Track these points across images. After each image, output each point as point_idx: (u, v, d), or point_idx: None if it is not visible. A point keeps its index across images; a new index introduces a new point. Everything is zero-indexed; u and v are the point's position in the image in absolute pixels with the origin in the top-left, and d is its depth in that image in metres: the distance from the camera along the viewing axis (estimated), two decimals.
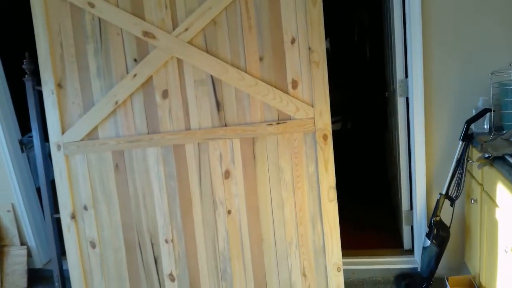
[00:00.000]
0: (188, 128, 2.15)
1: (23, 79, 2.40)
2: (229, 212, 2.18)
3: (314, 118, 2.03)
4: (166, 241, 2.26)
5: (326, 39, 4.58)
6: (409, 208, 2.53)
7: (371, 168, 4.03)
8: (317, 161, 2.06)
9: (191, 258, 2.24)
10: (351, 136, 4.50)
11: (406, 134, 2.37)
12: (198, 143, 2.15)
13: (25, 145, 2.90)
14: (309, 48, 1.98)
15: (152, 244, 2.29)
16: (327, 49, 4.67)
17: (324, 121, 2.03)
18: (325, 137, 2.04)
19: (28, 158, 2.96)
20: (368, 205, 3.53)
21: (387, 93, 2.86)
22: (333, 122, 4.57)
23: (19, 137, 2.87)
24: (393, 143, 2.78)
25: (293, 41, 1.99)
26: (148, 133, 2.20)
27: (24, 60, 2.37)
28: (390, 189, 3.28)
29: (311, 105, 2.03)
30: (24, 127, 2.82)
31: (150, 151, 2.21)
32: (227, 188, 2.16)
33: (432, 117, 2.20)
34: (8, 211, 2.89)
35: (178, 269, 2.26)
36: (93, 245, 2.35)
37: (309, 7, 1.94)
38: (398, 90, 2.30)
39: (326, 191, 2.07)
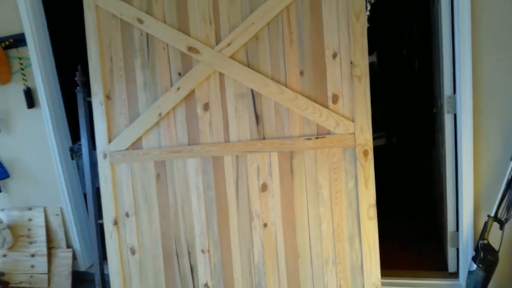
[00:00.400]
0: (227, 140, 2.18)
1: (75, 90, 2.54)
2: (265, 225, 2.17)
3: (354, 133, 2.00)
4: (203, 251, 2.28)
5: (373, 52, 4.51)
6: (455, 229, 2.40)
7: (416, 185, 3.88)
8: (356, 177, 2.02)
9: (226, 270, 2.25)
10: (396, 152, 4.36)
11: (454, 151, 2.27)
12: (237, 156, 2.17)
13: (75, 152, 3.05)
14: (351, 63, 1.96)
15: (189, 253, 2.32)
16: (374, 63, 4.59)
17: (365, 137, 1.99)
18: (365, 153, 1.99)
19: (77, 165, 3.11)
20: (411, 223, 3.39)
21: (434, 109, 2.76)
22: (378, 137, 4.47)
23: (70, 144, 3.03)
24: (440, 161, 2.66)
25: (334, 56, 1.98)
26: (189, 144, 2.25)
27: (76, 73, 2.52)
28: (435, 208, 3.13)
29: (352, 120, 2.00)
30: (75, 135, 2.98)
31: (190, 162, 2.25)
32: (263, 201, 2.16)
33: (481, 135, 2.09)
34: (57, 215, 3.05)
35: (213, 279, 2.27)
36: (133, 252, 2.42)
37: (352, 21, 1.93)
38: (446, 106, 2.21)
39: (366, 209, 2.01)
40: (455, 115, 2.21)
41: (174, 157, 2.27)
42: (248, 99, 2.13)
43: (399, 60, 4.53)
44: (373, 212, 2.01)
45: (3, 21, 2.74)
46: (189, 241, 2.31)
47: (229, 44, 2.10)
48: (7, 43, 2.72)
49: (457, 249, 2.40)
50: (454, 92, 2.17)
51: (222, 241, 2.24)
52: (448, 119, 2.25)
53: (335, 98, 2.01)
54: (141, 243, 2.40)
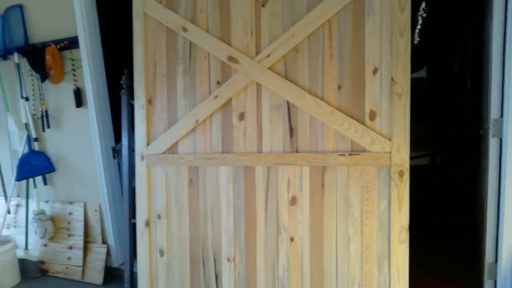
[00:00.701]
0: (260, 151, 2.18)
1: (120, 93, 2.65)
2: (292, 239, 2.14)
3: (390, 152, 1.93)
4: (228, 260, 2.28)
5: (422, 67, 4.34)
6: (494, 261, 2.25)
7: (457, 208, 3.67)
8: (390, 198, 1.94)
9: (250, 280, 2.23)
10: (439, 172, 4.17)
11: (497, 178, 2.13)
12: (268, 167, 2.16)
13: (117, 152, 3.17)
14: (392, 79, 1.90)
15: (215, 260, 2.33)
16: (423, 78, 4.43)
17: (402, 157, 1.91)
18: (401, 173, 1.92)
19: (118, 165, 3.23)
20: (448, 248, 3.21)
21: (481, 131, 2.62)
22: (420, 156, 4.29)
23: (113, 144, 3.15)
24: (483, 185, 2.51)
25: (375, 71, 1.93)
26: (222, 152, 2.27)
27: (122, 76, 2.63)
28: (475, 235, 2.95)
29: (389, 138, 1.93)
30: (118, 135, 3.10)
31: (222, 170, 2.27)
32: (292, 215, 2.13)
33: None
34: (95, 210, 3.17)
35: None
36: (162, 253, 2.46)
37: (396, 37, 1.88)
38: (492, 130, 2.08)
39: (398, 232, 1.93)
40: (500, 140, 2.08)
41: (207, 164, 2.30)
42: (284, 110, 2.12)
43: (450, 76, 4.33)
44: (405, 236, 1.92)
45: (60, 24, 2.93)
46: (216, 248, 2.32)
47: (268, 55, 2.11)
48: (62, 45, 2.89)
49: (495, 282, 2.24)
50: (502, 115, 2.04)
51: (248, 251, 2.23)
52: (493, 143, 2.12)
53: (372, 115, 1.96)
54: (170, 245, 2.44)
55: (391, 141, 1.92)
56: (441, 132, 4.21)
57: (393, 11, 1.86)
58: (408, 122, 1.89)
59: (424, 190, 3.78)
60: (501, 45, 2.01)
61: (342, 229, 2.04)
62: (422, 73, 4.29)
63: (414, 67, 4.19)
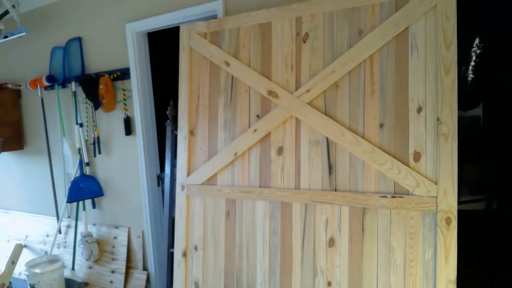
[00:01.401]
0: (297, 187, 2.12)
1: (165, 123, 2.72)
2: (329, 283, 2.02)
3: (437, 197, 1.79)
4: None
5: (478, 104, 4.09)
6: None
7: None
8: (436, 247, 1.79)
9: None
10: (495, 219, 3.81)
11: None
12: (306, 204, 2.09)
13: (161, 180, 3.24)
14: (438, 119, 1.78)
15: None
16: (478, 116, 4.15)
17: (449, 202, 1.77)
18: (448, 220, 1.77)
19: (162, 193, 3.29)
20: None
21: None
22: (475, 200, 3.97)
23: (158, 172, 3.23)
24: None
25: (419, 110, 1.83)
26: (260, 186, 2.24)
27: (168, 107, 2.70)
28: None
29: (435, 182, 1.80)
30: (163, 164, 3.18)
31: (259, 204, 2.23)
32: (330, 257, 2.03)
33: None
34: (138, 236, 3.23)
35: None
36: (197, 286, 2.44)
37: (442, 75, 1.77)
38: None
39: (444, 285, 1.76)
40: None
41: (244, 197, 2.27)
42: (322, 147, 2.05)
43: (508, 115, 4.02)
44: None
45: (113, 56, 3.09)
46: (250, 285, 2.26)
47: (308, 91, 2.07)
48: (114, 75, 3.05)
49: None
50: None
51: None
52: None
53: (417, 156, 1.84)
54: (205, 278, 2.41)
55: (437, 185, 1.78)
56: (500, 176, 3.88)
57: (439, 48, 1.76)
58: (456, 165, 1.75)
59: (477, 239, 3.46)
60: None
61: (383, 277, 1.90)
62: (479, 111, 4.02)
63: (469, 105, 3.96)
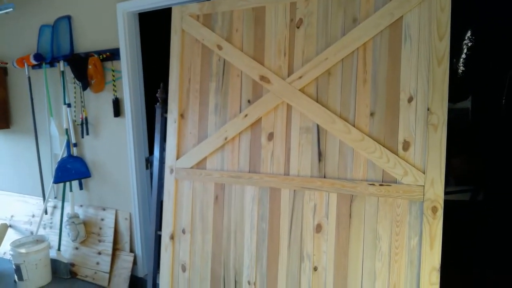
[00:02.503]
0: (287, 173, 2.13)
1: (155, 106, 2.70)
2: (315, 268, 2.05)
3: (424, 186, 1.81)
4: (249, 283, 2.23)
5: (467, 97, 4.13)
6: None
7: (497, 254, 3.39)
8: (421, 235, 1.82)
9: None
10: (480, 210, 3.89)
11: None
12: (294, 190, 2.10)
13: (150, 163, 3.22)
14: (428, 109, 1.80)
15: (235, 282, 2.28)
16: (467, 109, 4.20)
17: (436, 191, 1.79)
18: (434, 209, 1.80)
19: (151, 176, 3.28)
20: None
21: None
22: (460, 191, 4.04)
23: (147, 155, 3.21)
24: None
25: (410, 100, 1.84)
26: (249, 172, 2.24)
27: (158, 90, 2.67)
28: None
29: (423, 171, 1.82)
30: (152, 147, 3.16)
31: (248, 189, 2.24)
32: (316, 243, 2.05)
33: None
34: (126, 219, 3.23)
35: None
36: (184, 269, 2.45)
37: (434, 65, 1.78)
38: None
39: (428, 272, 1.80)
40: None
41: (233, 182, 2.28)
42: (313, 134, 2.06)
43: (496, 109, 4.07)
44: (436, 278, 1.79)
45: (103, 35, 3.03)
46: (237, 269, 2.28)
47: (300, 77, 2.07)
48: (104, 56, 2.99)
49: None
50: None
51: (269, 276, 2.17)
52: None
53: (406, 145, 1.86)
54: (192, 261, 2.43)
55: (425, 174, 1.81)
56: (486, 168, 3.94)
57: (432, 39, 1.76)
58: (444, 155, 1.77)
59: (460, 229, 3.53)
60: None
61: (369, 263, 1.93)
62: (468, 104, 4.07)
63: (459, 97, 3.99)
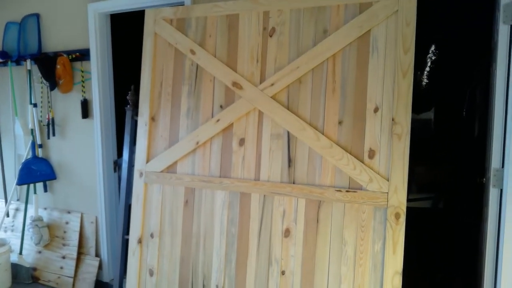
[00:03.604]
0: (257, 178, 2.16)
1: (125, 108, 2.67)
2: (283, 272, 2.09)
3: (388, 193, 1.89)
4: (217, 287, 2.24)
5: (430, 108, 4.32)
6: None
7: (457, 258, 3.55)
8: (385, 240, 1.90)
9: None
10: (440, 217, 4.06)
11: (496, 230, 2.06)
12: (264, 195, 2.14)
13: (118, 166, 3.18)
14: (393, 119, 1.88)
15: (203, 286, 2.29)
16: (430, 120, 4.39)
17: (399, 198, 1.87)
18: (397, 216, 1.87)
19: (119, 179, 3.24)
20: None
21: (484, 179, 2.55)
22: (422, 198, 4.21)
23: (115, 158, 3.16)
24: (483, 237, 2.43)
25: (376, 110, 1.91)
26: (220, 176, 2.26)
27: (129, 92, 2.65)
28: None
29: (387, 178, 1.90)
30: (121, 150, 3.12)
31: (218, 194, 2.25)
32: (285, 247, 2.09)
33: None
34: (92, 222, 3.16)
35: None
36: (152, 273, 2.43)
37: (399, 78, 1.86)
38: (492, 180, 2.03)
39: (391, 276, 1.88)
40: (501, 190, 2.02)
41: (204, 187, 2.29)
42: (284, 140, 2.10)
43: (457, 121, 4.27)
44: (398, 281, 1.86)
45: (73, 35, 2.98)
46: (205, 273, 2.28)
47: (272, 84, 2.11)
48: (73, 56, 2.94)
49: None
50: (503, 165, 1.99)
51: (238, 281, 2.19)
52: (493, 194, 2.06)
53: (371, 153, 1.93)
54: (160, 266, 2.41)
55: (389, 181, 1.88)
56: (447, 177, 4.13)
57: (397, 52, 1.85)
58: (407, 164, 1.85)
59: (422, 235, 3.67)
60: (504, 95, 1.95)
61: (335, 267, 1.99)
62: (430, 115, 4.25)
63: (422, 108, 4.17)
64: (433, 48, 3.77)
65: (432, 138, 4.13)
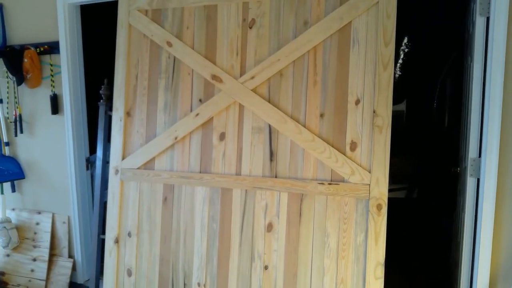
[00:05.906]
0: (238, 173, 2.13)
1: (98, 103, 2.57)
2: (266, 267, 2.08)
3: (369, 184, 1.90)
4: (199, 285, 2.20)
5: (402, 100, 4.41)
6: None
7: (432, 247, 3.65)
8: (367, 231, 1.91)
9: None
10: (415, 207, 4.17)
11: (473, 218, 2.12)
12: (246, 190, 2.11)
13: (91, 163, 3.07)
14: (374, 112, 1.89)
15: (184, 285, 2.24)
16: (402, 112, 4.48)
17: (380, 190, 1.89)
18: (379, 207, 1.89)
19: (91, 177, 3.12)
20: (421, 287, 3.18)
21: (459, 169, 2.62)
22: (397, 189, 4.30)
23: (87, 155, 3.05)
24: (459, 225, 2.50)
25: (357, 102, 1.92)
26: (200, 172, 2.21)
27: (102, 86, 2.55)
28: (450, 276, 2.94)
29: (368, 170, 1.91)
30: (93, 147, 3.01)
31: (199, 190, 2.21)
32: (267, 242, 2.07)
33: (505, 204, 1.95)
34: (64, 222, 3.04)
35: None
36: (130, 273, 2.36)
37: (379, 70, 1.87)
38: (469, 169, 2.08)
39: (373, 267, 1.89)
40: (478, 180, 2.07)
41: (183, 183, 2.23)
42: (265, 134, 2.08)
43: (428, 112, 4.38)
44: (380, 271, 1.88)
45: (41, 27, 2.84)
46: (186, 271, 2.24)
47: (252, 77, 2.08)
48: (41, 49, 2.80)
49: None
50: (480, 155, 2.04)
51: (220, 277, 2.15)
52: (470, 183, 2.11)
53: (353, 146, 1.94)
54: (139, 265, 2.34)
55: (370, 173, 1.90)
56: (420, 167, 4.23)
57: (378, 45, 1.86)
58: (388, 156, 1.87)
59: (398, 225, 3.76)
60: (480, 87, 2.00)
61: (318, 260, 1.99)
62: (402, 107, 4.35)
63: (395, 100, 4.24)
64: (406, 40, 3.84)
65: (404, 130, 4.23)
